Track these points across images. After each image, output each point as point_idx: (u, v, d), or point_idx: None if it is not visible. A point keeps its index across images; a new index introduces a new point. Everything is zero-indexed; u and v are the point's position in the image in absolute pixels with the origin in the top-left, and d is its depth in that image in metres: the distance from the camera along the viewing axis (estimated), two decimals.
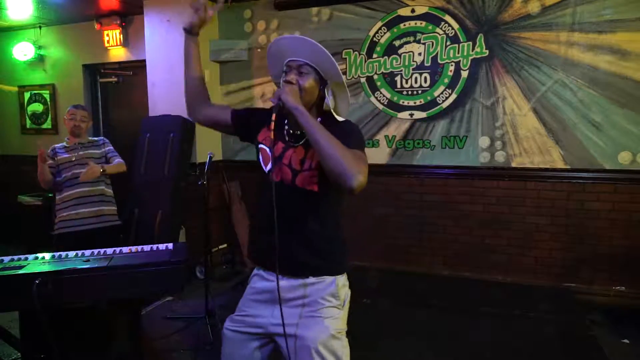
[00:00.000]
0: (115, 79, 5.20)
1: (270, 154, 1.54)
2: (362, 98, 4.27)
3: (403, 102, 4.15)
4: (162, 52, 4.46)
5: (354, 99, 4.28)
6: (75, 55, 5.35)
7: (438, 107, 4.04)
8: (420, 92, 4.08)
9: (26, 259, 1.82)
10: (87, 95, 5.32)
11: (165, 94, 4.48)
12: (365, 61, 4.22)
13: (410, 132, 4.15)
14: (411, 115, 4.13)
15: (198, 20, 1.61)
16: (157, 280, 1.76)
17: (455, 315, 3.38)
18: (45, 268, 1.68)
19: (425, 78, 4.05)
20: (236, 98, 4.75)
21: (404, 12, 4.05)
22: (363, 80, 4.25)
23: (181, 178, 4.23)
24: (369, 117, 4.25)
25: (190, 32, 1.65)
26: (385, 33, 4.13)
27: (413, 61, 4.07)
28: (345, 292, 1.59)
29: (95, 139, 3.36)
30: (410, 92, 4.12)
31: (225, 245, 4.81)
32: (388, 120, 4.20)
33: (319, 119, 1.54)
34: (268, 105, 1.57)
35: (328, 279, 1.54)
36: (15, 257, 1.82)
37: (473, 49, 3.88)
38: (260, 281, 1.62)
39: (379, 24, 4.14)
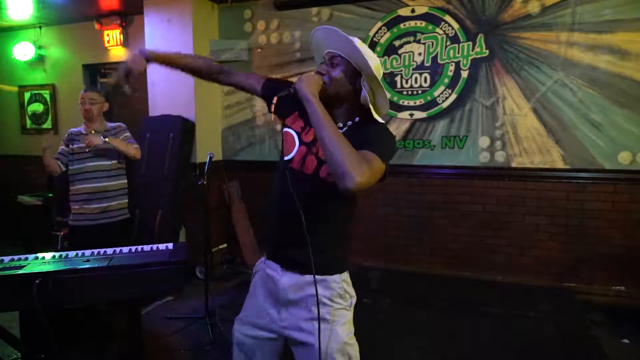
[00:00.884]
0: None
1: (297, 140, 1.50)
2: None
3: (403, 102, 4.15)
4: None
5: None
6: (75, 55, 5.35)
7: (438, 107, 4.04)
8: (420, 92, 4.08)
9: (26, 259, 1.82)
10: None
11: (165, 94, 4.48)
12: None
13: (410, 132, 4.15)
14: (411, 115, 4.13)
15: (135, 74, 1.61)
16: (157, 280, 1.76)
17: (455, 315, 3.38)
18: (45, 268, 1.68)
19: (425, 78, 4.05)
20: (236, 98, 4.75)
21: (404, 12, 4.05)
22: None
23: (181, 178, 4.24)
24: None
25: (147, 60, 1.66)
26: (385, 33, 4.13)
27: (413, 61, 4.07)
28: (350, 291, 1.57)
29: (113, 125, 3.14)
30: (410, 92, 4.12)
31: (225, 245, 4.81)
32: (388, 121, 4.20)
33: (356, 118, 1.51)
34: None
35: (334, 277, 1.51)
36: (15, 257, 1.83)
37: (473, 49, 3.88)
38: (266, 278, 1.58)
39: (379, 24, 4.14)
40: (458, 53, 3.92)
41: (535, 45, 3.70)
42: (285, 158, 1.52)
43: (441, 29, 3.95)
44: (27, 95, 5.70)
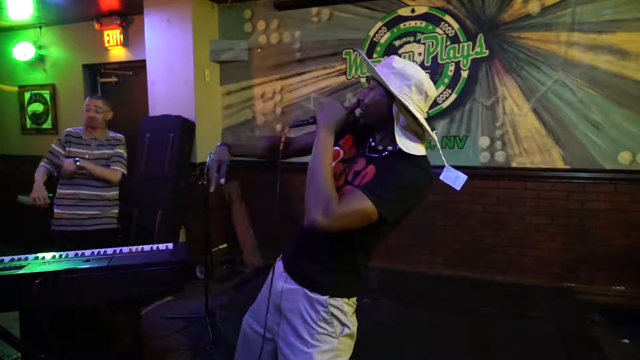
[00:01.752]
0: (115, 79, 5.20)
1: (341, 159, 1.51)
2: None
3: None
4: (162, 52, 4.47)
5: (355, 98, 4.28)
6: (75, 55, 5.35)
7: (438, 107, 4.04)
8: None
9: (26, 259, 1.82)
10: (87, 95, 5.32)
11: (165, 94, 4.48)
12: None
13: None
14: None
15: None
16: (157, 280, 1.76)
17: (455, 315, 3.38)
18: (45, 268, 1.68)
19: None
20: (236, 98, 4.75)
21: (404, 12, 4.05)
22: (363, 80, 4.25)
23: (181, 178, 4.24)
24: None
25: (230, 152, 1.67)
26: (385, 33, 4.13)
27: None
28: (343, 320, 1.44)
29: (114, 136, 3.08)
30: None
31: (225, 245, 4.81)
32: None
33: (397, 146, 1.35)
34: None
35: (320, 298, 1.42)
36: (15, 257, 1.83)
37: (473, 49, 3.88)
38: (272, 278, 1.59)
39: (379, 24, 4.14)
40: (458, 53, 3.92)
41: (535, 45, 3.70)
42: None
43: (441, 29, 3.95)
44: (27, 95, 5.70)
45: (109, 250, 1.94)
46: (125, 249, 1.95)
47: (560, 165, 3.71)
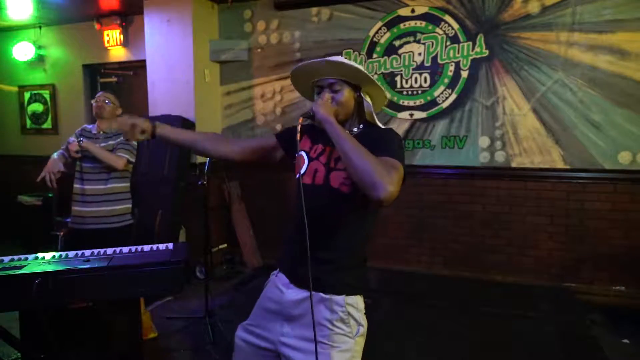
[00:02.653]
0: (115, 79, 5.20)
1: (306, 158, 1.55)
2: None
3: (403, 102, 4.15)
4: (162, 52, 4.47)
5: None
6: (75, 55, 5.35)
7: (438, 107, 4.04)
8: (420, 92, 4.08)
9: (26, 259, 1.82)
10: (87, 95, 5.31)
11: (165, 94, 4.48)
12: (365, 61, 4.23)
13: (410, 132, 4.15)
14: (411, 115, 4.13)
15: (138, 133, 1.59)
16: (157, 280, 1.76)
17: (455, 315, 3.38)
18: (45, 268, 1.68)
19: (425, 78, 4.05)
20: (236, 98, 4.75)
21: (404, 12, 4.05)
22: None
23: (181, 178, 4.24)
24: None
25: (153, 136, 1.63)
26: (385, 33, 4.13)
27: (413, 61, 4.07)
28: (358, 318, 1.47)
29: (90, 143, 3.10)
30: (410, 92, 4.12)
31: (225, 245, 4.81)
32: (388, 120, 4.20)
33: (361, 125, 1.57)
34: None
35: (336, 298, 1.43)
36: (15, 257, 1.82)
37: (473, 49, 3.88)
38: (273, 289, 1.57)
39: (379, 24, 4.14)
40: (458, 53, 3.92)
41: (535, 45, 3.70)
42: (298, 176, 1.53)
43: (441, 29, 3.95)
44: (27, 95, 5.70)
45: (109, 250, 1.94)
46: (125, 249, 1.95)
47: (560, 165, 3.71)
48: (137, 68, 4.95)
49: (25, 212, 4.94)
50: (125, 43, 5.01)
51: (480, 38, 3.85)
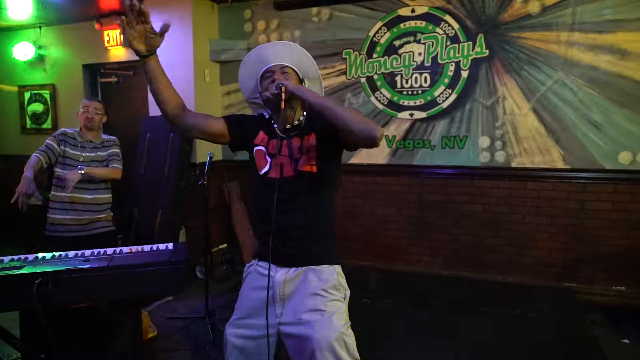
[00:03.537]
0: (115, 79, 5.20)
1: (266, 153, 1.64)
2: (362, 98, 4.27)
3: (403, 102, 4.15)
4: (162, 52, 4.41)
5: (355, 98, 4.29)
6: (75, 55, 5.34)
7: (438, 107, 4.04)
8: (420, 92, 4.08)
9: (26, 259, 1.82)
10: (87, 95, 5.31)
11: None
12: (365, 61, 4.23)
13: (410, 132, 4.15)
14: (411, 115, 4.13)
15: (141, 38, 1.60)
16: (157, 280, 1.76)
17: (455, 315, 3.38)
18: (45, 268, 1.68)
19: (426, 78, 4.05)
20: (236, 98, 4.75)
21: (404, 12, 4.05)
22: (363, 80, 4.25)
23: (181, 178, 4.24)
24: (369, 117, 4.24)
25: (146, 55, 1.63)
26: (385, 33, 4.13)
27: (413, 61, 4.07)
28: (344, 284, 1.63)
29: (108, 138, 3.08)
30: (410, 92, 4.12)
31: (225, 245, 4.81)
32: (388, 120, 4.20)
33: (304, 113, 1.67)
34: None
35: (328, 268, 1.58)
36: (15, 257, 1.82)
37: (473, 49, 3.88)
38: (259, 278, 1.62)
39: (379, 24, 4.14)
40: (458, 53, 3.92)
41: (535, 45, 3.70)
42: (262, 172, 1.64)
43: (441, 28, 3.95)
44: (27, 95, 5.70)
45: (109, 251, 1.94)
46: (125, 249, 1.95)
47: (560, 165, 3.71)
48: (137, 68, 4.95)
49: (25, 212, 4.94)
50: (125, 43, 5.01)
51: (481, 38, 3.85)
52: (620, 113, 3.53)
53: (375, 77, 4.22)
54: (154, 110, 4.55)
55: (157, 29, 1.52)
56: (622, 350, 2.97)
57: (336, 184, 1.70)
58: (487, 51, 3.84)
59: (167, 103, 1.66)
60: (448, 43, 3.95)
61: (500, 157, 3.88)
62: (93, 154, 2.97)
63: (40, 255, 1.86)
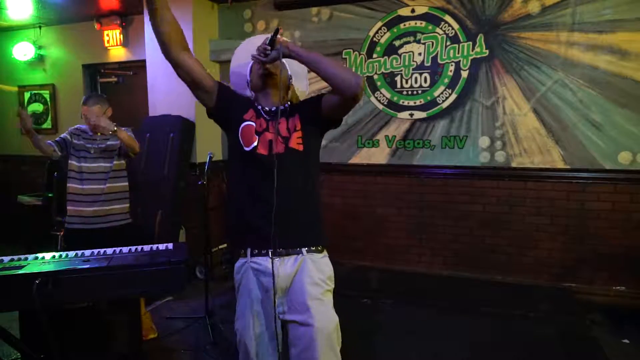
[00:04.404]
0: (115, 79, 5.20)
1: (254, 130, 1.65)
2: (362, 98, 4.27)
3: (403, 102, 4.15)
4: (162, 53, 4.45)
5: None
6: (75, 55, 5.35)
7: (438, 107, 4.04)
8: (420, 92, 4.08)
9: (26, 259, 1.82)
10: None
11: (165, 94, 4.48)
12: (365, 61, 4.23)
13: (410, 132, 4.15)
14: (411, 115, 4.13)
15: None
16: (157, 280, 1.76)
17: (455, 315, 3.38)
18: (45, 268, 1.68)
19: (425, 78, 4.05)
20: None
21: (404, 12, 4.05)
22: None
23: (181, 178, 4.24)
24: (369, 117, 4.25)
25: None
26: (385, 33, 4.13)
27: (413, 61, 4.07)
28: (333, 273, 1.70)
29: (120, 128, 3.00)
30: (410, 92, 4.12)
31: (225, 245, 4.81)
32: (388, 120, 4.20)
33: (288, 102, 1.71)
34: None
35: (323, 258, 1.65)
36: (15, 257, 1.82)
37: (473, 49, 3.88)
38: (256, 274, 1.62)
39: (379, 24, 4.14)
40: (458, 53, 3.92)
41: (535, 45, 3.70)
42: (249, 148, 1.62)
43: (441, 29, 3.95)
44: (27, 95, 5.70)
45: (109, 250, 1.94)
46: (125, 249, 1.95)
47: (560, 165, 3.71)
48: (137, 68, 4.95)
49: (25, 212, 4.94)
50: (125, 43, 5.01)
51: (481, 38, 3.85)
52: (620, 113, 3.53)
53: (375, 77, 4.22)
54: (154, 110, 4.55)
55: None
56: (622, 350, 2.97)
57: (318, 165, 1.75)
58: (487, 51, 3.84)
59: (162, 32, 1.61)
60: (448, 43, 3.95)
61: (500, 157, 3.88)
62: (103, 145, 2.98)
63: (40, 255, 1.86)
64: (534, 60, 3.71)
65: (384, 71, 4.17)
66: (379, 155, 4.23)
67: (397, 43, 4.11)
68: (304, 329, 1.55)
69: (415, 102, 4.11)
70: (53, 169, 3.31)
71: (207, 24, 4.58)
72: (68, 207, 2.97)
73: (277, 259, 1.57)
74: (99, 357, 1.99)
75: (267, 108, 1.69)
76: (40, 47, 5.46)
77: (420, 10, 4.00)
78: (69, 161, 2.95)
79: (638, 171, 3.51)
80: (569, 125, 3.67)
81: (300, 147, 1.63)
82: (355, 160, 4.26)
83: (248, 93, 1.75)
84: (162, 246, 1.98)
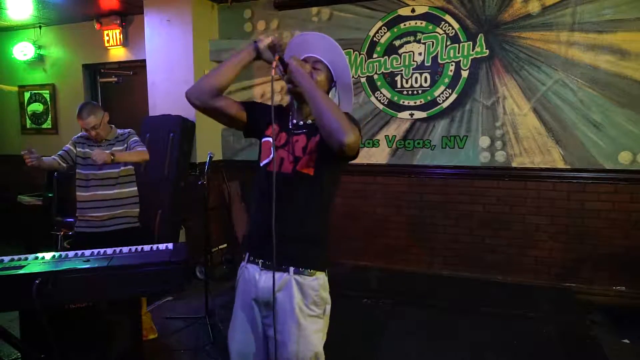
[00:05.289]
0: (115, 79, 5.20)
1: (272, 145, 1.57)
2: (362, 98, 4.27)
3: (403, 102, 4.15)
4: (162, 52, 4.46)
5: (355, 98, 4.29)
6: (75, 55, 5.35)
7: (438, 107, 4.04)
8: (420, 92, 4.08)
9: (26, 259, 1.82)
10: (87, 95, 5.32)
11: (165, 94, 4.48)
12: (365, 61, 4.22)
13: (410, 132, 4.15)
14: (411, 115, 4.13)
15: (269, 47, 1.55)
16: (157, 280, 1.76)
17: (455, 315, 3.38)
18: (45, 268, 1.68)
19: (426, 78, 4.05)
20: (236, 98, 4.71)
21: (404, 11, 4.05)
22: (363, 80, 4.25)
23: (181, 178, 4.24)
24: (369, 117, 4.25)
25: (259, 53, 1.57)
26: (385, 33, 4.13)
27: (413, 61, 4.07)
28: (326, 297, 1.59)
29: (122, 132, 3.07)
30: (410, 92, 4.12)
31: (225, 245, 4.81)
32: (388, 120, 4.20)
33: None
34: (268, 104, 1.61)
35: (311, 281, 1.53)
36: (15, 257, 1.83)
37: (473, 48, 3.88)
38: (246, 281, 1.63)
39: (379, 23, 4.14)
40: (458, 53, 3.92)
41: (535, 45, 3.70)
42: (262, 164, 1.62)
43: (441, 28, 3.95)
44: (27, 95, 5.70)
45: (109, 250, 1.94)
46: (125, 249, 1.95)
47: (561, 165, 3.71)
48: (137, 68, 4.95)
49: (25, 212, 4.94)
50: (125, 43, 5.01)
51: (481, 38, 3.85)
52: (620, 113, 3.53)
53: (375, 77, 4.22)
54: (154, 111, 4.55)
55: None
56: (622, 350, 2.97)
57: (332, 193, 1.64)
58: (487, 51, 3.84)
59: (219, 87, 1.59)
60: (448, 43, 3.95)
61: (500, 157, 3.88)
62: (108, 151, 2.94)
63: (40, 255, 1.86)
64: (534, 60, 3.71)
65: (384, 71, 4.17)
66: (379, 155, 4.23)
67: (397, 43, 4.11)
68: (282, 347, 1.52)
69: (415, 102, 4.11)
70: (53, 170, 3.32)
71: (207, 24, 4.58)
72: (77, 214, 2.99)
73: (262, 270, 1.57)
74: (99, 357, 1.99)
75: (294, 121, 1.65)
76: (40, 47, 5.46)
77: (421, 10, 4.00)
78: (77, 170, 2.96)
79: (638, 171, 3.51)
80: (569, 125, 3.67)
81: (311, 171, 1.54)
82: (356, 160, 4.26)
83: None
84: (162, 246, 1.98)
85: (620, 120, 3.53)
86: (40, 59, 5.50)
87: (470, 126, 3.95)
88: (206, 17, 4.56)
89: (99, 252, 1.92)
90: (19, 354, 2.37)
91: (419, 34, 4.03)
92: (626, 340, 3.09)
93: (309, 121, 1.62)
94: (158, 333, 3.18)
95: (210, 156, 3.40)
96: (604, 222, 3.63)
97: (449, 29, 3.93)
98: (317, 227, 1.59)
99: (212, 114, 1.63)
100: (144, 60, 4.59)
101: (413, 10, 4.03)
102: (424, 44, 4.02)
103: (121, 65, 5.15)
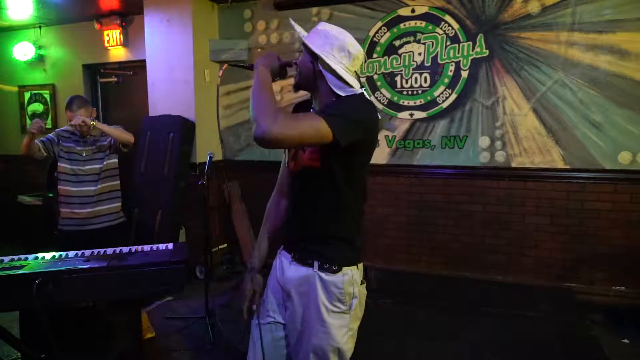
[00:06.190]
0: (115, 79, 5.20)
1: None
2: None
3: (403, 102, 4.15)
4: (162, 52, 4.46)
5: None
6: (75, 55, 5.35)
7: (438, 107, 4.04)
8: (420, 92, 4.08)
9: (26, 259, 1.82)
10: (87, 95, 5.32)
11: (165, 94, 4.48)
12: (365, 61, 4.22)
13: (410, 132, 4.15)
14: (411, 115, 4.13)
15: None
16: (157, 280, 1.76)
17: (455, 315, 3.38)
18: (45, 268, 1.68)
19: (425, 78, 4.05)
20: (236, 98, 4.75)
21: (404, 12, 4.05)
22: (363, 80, 4.25)
23: (181, 178, 4.24)
24: None
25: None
26: (385, 33, 4.13)
27: (413, 61, 4.07)
28: (352, 291, 1.52)
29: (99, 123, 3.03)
30: (410, 92, 4.12)
31: (225, 245, 4.81)
32: (388, 120, 4.20)
33: (333, 99, 1.46)
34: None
35: (336, 277, 1.48)
36: (15, 257, 1.83)
37: (473, 49, 3.88)
38: (277, 266, 1.65)
39: (379, 24, 4.14)
40: (458, 53, 3.92)
41: (535, 45, 3.70)
42: (285, 161, 1.67)
43: (441, 28, 3.95)
44: (27, 95, 5.70)
45: (109, 251, 1.94)
46: (125, 249, 1.95)
47: (560, 165, 3.71)
48: (137, 68, 4.95)
49: (25, 212, 4.95)
50: (125, 43, 5.01)
51: (481, 38, 3.85)
52: (620, 113, 3.53)
53: (375, 77, 4.22)
54: (154, 111, 4.55)
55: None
56: (622, 350, 2.97)
57: (349, 187, 1.50)
58: (487, 51, 3.84)
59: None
60: (448, 43, 3.95)
61: (500, 157, 3.88)
62: (94, 146, 3.00)
63: (40, 255, 1.86)
64: (534, 60, 3.71)
65: (384, 71, 4.17)
66: (379, 155, 4.23)
67: (397, 43, 4.11)
68: (301, 336, 1.51)
69: (415, 102, 4.11)
70: (53, 169, 3.31)
71: (207, 24, 4.58)
72: (61, 209, 2.98)
73: (292, 262, 1.57)
74: (99, 357, 1.99)
75: (312, 110, 1.60)
76: (40, 47, 5.46)
77: (420, 10, 4.00)
78: (59, 164, 2.97)
79: (638, 171, 3.51)
80: (568, 125, 3.67)
81: (316, 164, 1.47)
82: None
83: None
84: (162, 246, 1.98)
85: (620, 121, 3.53)
86: (40, 59, 5.50)
87: (470, 126, 3.95)
88: (206, 17, 4.56)
89: (99, 252, 1.92)
90: (19, 354, 2.37)
91: (418, 34, 4.03)
92: (626, 340, 3.09)
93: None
94: (158, 333, 3.18)
95: (210, 156, 3.40)
96: (604, 222, 3.63)
97: (448, 29, 3.93)
98: (337, 223, 1.52)
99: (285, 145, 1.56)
100: (144, 60, 4.59)
101: (413, 11, 4.03)
102: (424, 44, 4.02)
103: (121, 65, 5.15)
